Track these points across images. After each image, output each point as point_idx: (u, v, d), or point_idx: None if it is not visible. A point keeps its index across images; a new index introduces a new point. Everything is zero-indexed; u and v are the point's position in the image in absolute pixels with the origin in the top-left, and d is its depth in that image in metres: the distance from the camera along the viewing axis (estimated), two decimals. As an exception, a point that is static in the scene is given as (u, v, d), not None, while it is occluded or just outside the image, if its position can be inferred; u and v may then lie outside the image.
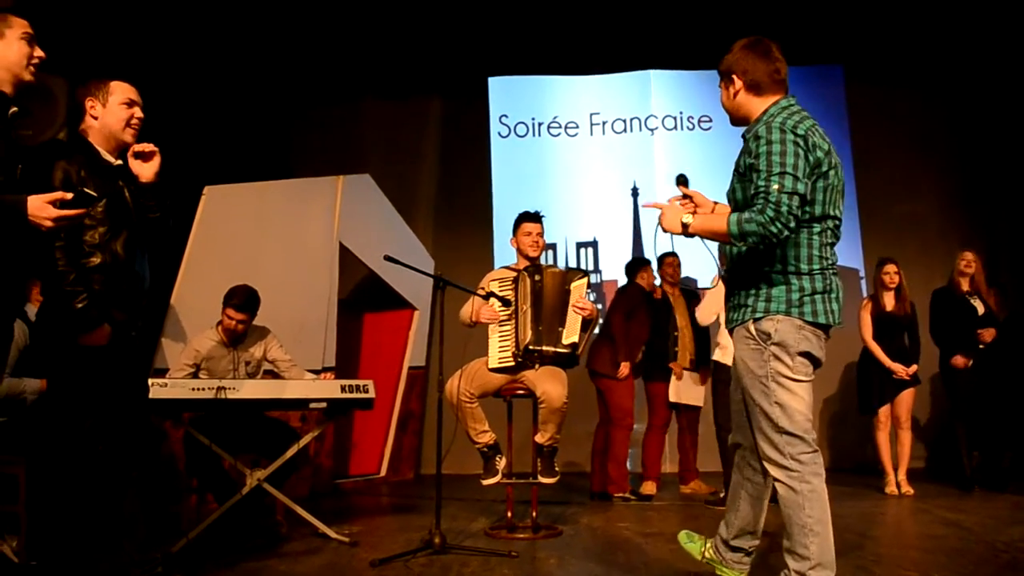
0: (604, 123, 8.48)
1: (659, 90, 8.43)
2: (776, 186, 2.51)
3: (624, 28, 8.19)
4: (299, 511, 4.25)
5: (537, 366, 4.33)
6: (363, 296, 7.31)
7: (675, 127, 8.42)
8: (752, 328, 2.69)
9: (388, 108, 8.57)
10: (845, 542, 3.99)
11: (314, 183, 6.41)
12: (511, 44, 8.35)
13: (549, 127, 8.58)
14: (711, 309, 5.51)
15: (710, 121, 8.40)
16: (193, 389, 3.91)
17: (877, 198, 8.16)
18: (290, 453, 4.24)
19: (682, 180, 3.03)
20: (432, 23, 8.04)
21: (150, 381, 3.91)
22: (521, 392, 4.42)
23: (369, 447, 7.12)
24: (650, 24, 8.14)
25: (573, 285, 4.41)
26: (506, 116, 8.61)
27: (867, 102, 8.32)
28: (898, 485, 5.83)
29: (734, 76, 2.84)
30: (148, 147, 3.10)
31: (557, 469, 4.38)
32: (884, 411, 5.93)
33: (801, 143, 2.59)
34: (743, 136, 2.81)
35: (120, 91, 3.05)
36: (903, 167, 8.23)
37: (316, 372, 5.07)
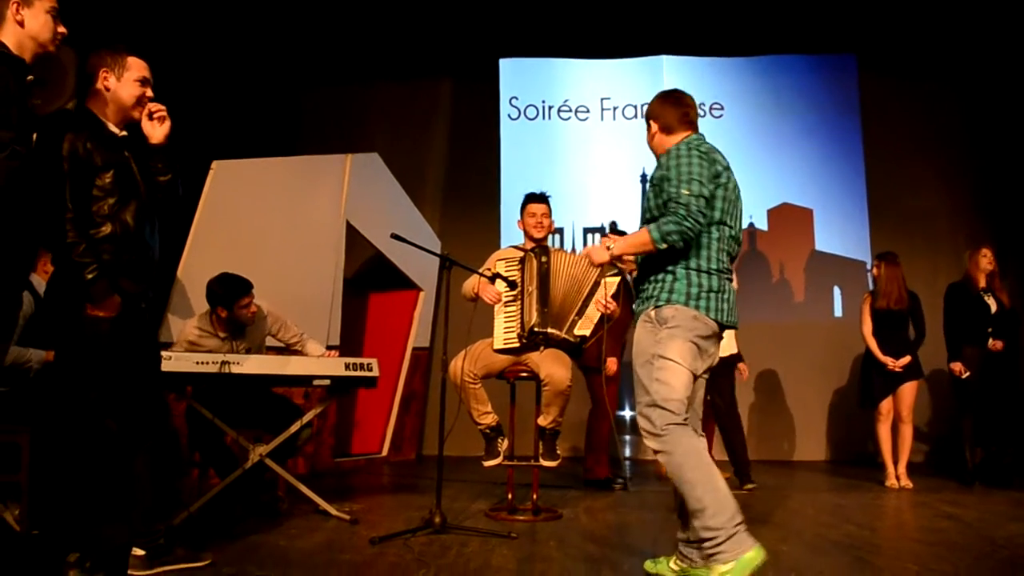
0: (615, 108, 8.45)
1: (671, 76, 8.38)
2: (685, 191, 2.88)
3: (637, 13, 8.15)
4: (300, 487, 4.26)
5: (542, 348, 4.31)
6: (369, 276, 7.31)
7: (686, 114, 8.37)
8: (653, 313, 2.96)
9: (398, 88, 8.56)
10: (844, 533, 4.00)
11: (322, 161, 6.39)
12: (523, 26, 8.31)
13: (559, 111, 8.55)
14: None
15: (722, 108, 8.36)
16: (197, 363, 3.91)
17: (887, 190, 8.14)
18: (293, 429, 4.25)
19: (612, 227, 3.32)
20: (444, 3, 8.00)
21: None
22: (525, 374, 4.41)
23: (372, 426, 7.15)
24: (663, 10, 8.10)
25: (607, 279, 4.34)
26: (516, 98, 8.58)
27: (880, 92, 8.29)
28: (897, 478, 5.83)
29: (651, 121, 3.23)
30: (161, 110, 3.09)
31: (558, 453, 4.38)
32: (885, 404, 5.93)
33: (705, 157, 2.97)
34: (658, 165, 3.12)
35: (136, 68, 3.03)
36: (914, 160, 8.20)
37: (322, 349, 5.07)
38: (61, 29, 2.78)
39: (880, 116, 8.26)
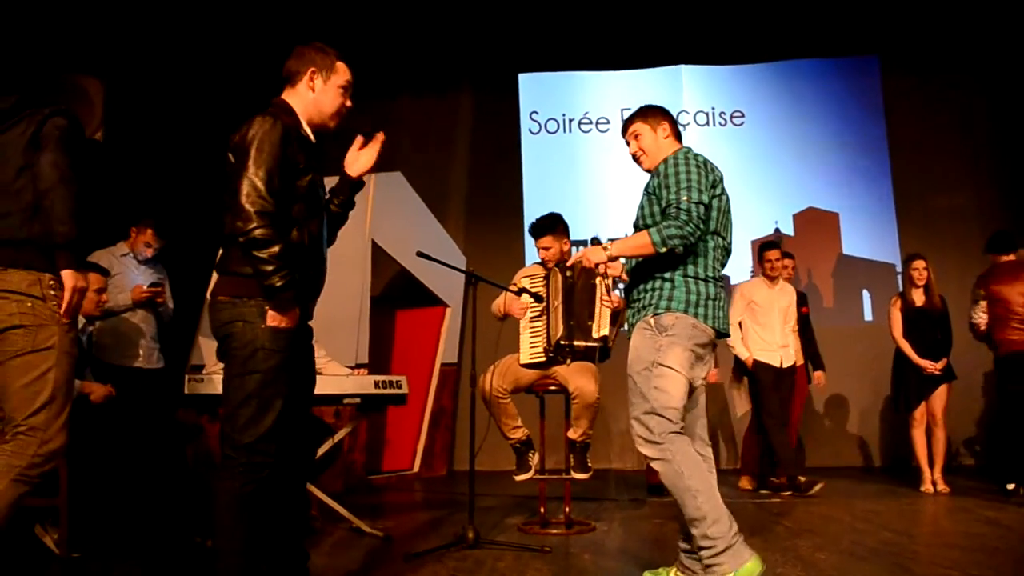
0: (635, 119, 8.44)
1: (691, 85, 8.37)
2: (685, 197, 2.88)
3: (655, 23, 8.16)
4: (334, 506, 4.28)
5: (569, 361, 4.32)
6: (395, 293, 7.35)
7: (707, 123, 8.36)
8: (652, 320, 2.96)
9: (419, 105, 8.61)
10: (882, 540, 3.96)
11: (346, 181, 6.43)
12: (541, 40, 8.35)
13: (580, 123, 8.57)
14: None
15: (742, 116, 8.34)
16: (229, 385, 3.95)
17: (914, 191, 8.07)
18: (324, 448, 4.28)
19: (595, 242, 3.28)
20: (462, 20, 8.05)
21: (187, 377, 3.98)
22: (553, 388, 4.42)
23: (402, 443, 7.17)
24: (681, 19, 8.10)
25: (599, 279, 4.38)
26: (537, 112, 8.61)
27: (904, 93, 8.22)
28: (934, 483, 5.75)
29: (666, 123, 3.19)
30: (379, 139, 2.94)
31: (590, 465, 4.37)
32: (919, 409, 5.85)
33: (703, 167, 2.98)
34: (651, 172, 3.14)
35: (343, 73, 2.86)
36: (941, 160, 8.12)
37: (349, 368, 5.10)
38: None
39: (905, 117, 8.19)
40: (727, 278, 2.96)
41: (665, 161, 3.03)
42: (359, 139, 2.93)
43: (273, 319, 2.53)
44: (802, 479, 5.67)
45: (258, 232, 2.43)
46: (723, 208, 3.03)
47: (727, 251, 3.10)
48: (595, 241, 3.28)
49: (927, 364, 5.76)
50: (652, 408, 2.85)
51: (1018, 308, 5.50)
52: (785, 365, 5.85)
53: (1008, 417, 5.58)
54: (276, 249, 2.46)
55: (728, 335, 3.11)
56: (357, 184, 2.97)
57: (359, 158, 2.94)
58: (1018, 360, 5.49)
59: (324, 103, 2.80)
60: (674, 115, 3.29)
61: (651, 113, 3.20)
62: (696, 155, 3.03)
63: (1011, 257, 5.73)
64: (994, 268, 5.72)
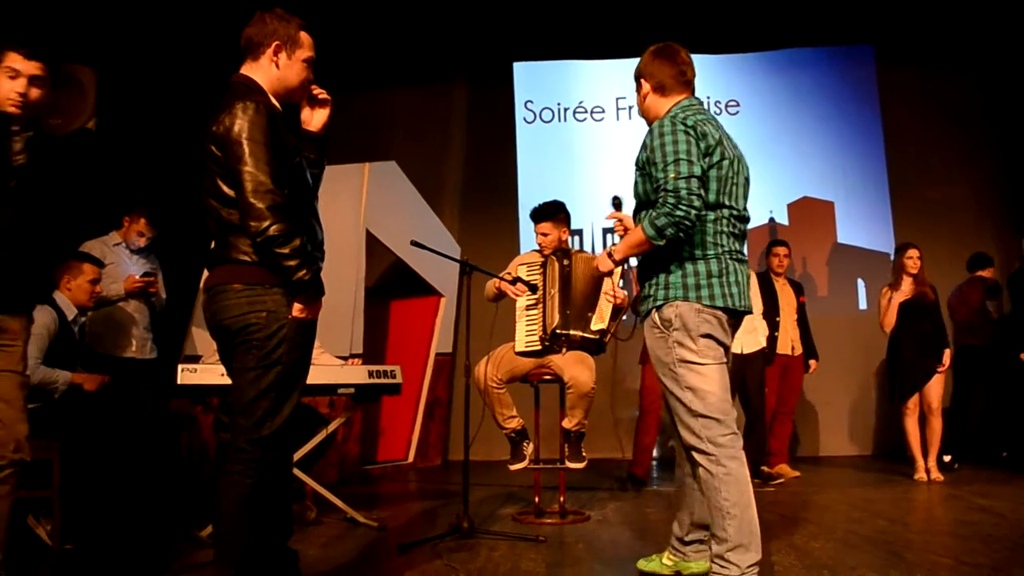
0: (631, 107, 8.41)
1: (686, 74, 8.33)
2: (672, 174, 2.62)
3: (650, 11, 8.11)
4: (328, 496, 4.28)
5: (564, 350, 4.31)
6: (390, 283, 7.33)
7: (702, 111, 8.32)
8: (656, 317, 2.76)
9: (413, 95, 8.56)
10: (876, 528, 3.97)
11: (340, 170, 6.39)
12: (536, 29, 8.30)
13: (575, 112, 8.54)
14: None
15: (738, 106, 8.31)
16: (222, 375, 3.92)
17: (909, 181, 8.05)
18: (319, 438, 4.26)
19: (616, 203, 3.16)
20: (456, 8, 8.01)
21: (180, 367, 3.96)
22: (548, 377, 4.41)
23: (397, 433, 7.16)
24: (677, 7, 8.06)
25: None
26: (531, 101, 8.57)
27: (899, 83, 8.19)
28: (928, 471, 5.76)
29: (642, 80, 2.97)
30: (324, 93, 2.76)
31: (584, 454, 4.37)
32: (912, 398, 5.86)
33: (691, 132, 2.69)
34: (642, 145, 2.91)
35: (307, 47, 2.68)
36: (936, 149, 8.10)
37: (344, 359, 5.09)
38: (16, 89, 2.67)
39: (900, 106, 8.17)
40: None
41: (650, 131, 2.78)
42: (314, 91, 2.77)
43: (300, 311, 2.47)
44: (764, 469, 5.89)
45: (274, 228, 2.35)
46: (723, 176, 2.74)
47: (740, 219, 2.83)
48: (616, 201, 3.15)
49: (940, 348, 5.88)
50: (692, 411, 2.67)
51: (960, 316, 6.48)
52: (747, 351, 5.76)
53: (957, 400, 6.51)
54: (298, 243, 2.40)
55: (750, 311, 2.81)
56: (322, 139, 2.80)
57: (314, 114, 2.79)
58: (958, 355, 6.21)
59: (289, 79, 2.65)
60: (685, 58, 2.97)
61: (637, 71, 3.01)
62: (684, 118, 2.73)
63: (984, 273, 6.49)
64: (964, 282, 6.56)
